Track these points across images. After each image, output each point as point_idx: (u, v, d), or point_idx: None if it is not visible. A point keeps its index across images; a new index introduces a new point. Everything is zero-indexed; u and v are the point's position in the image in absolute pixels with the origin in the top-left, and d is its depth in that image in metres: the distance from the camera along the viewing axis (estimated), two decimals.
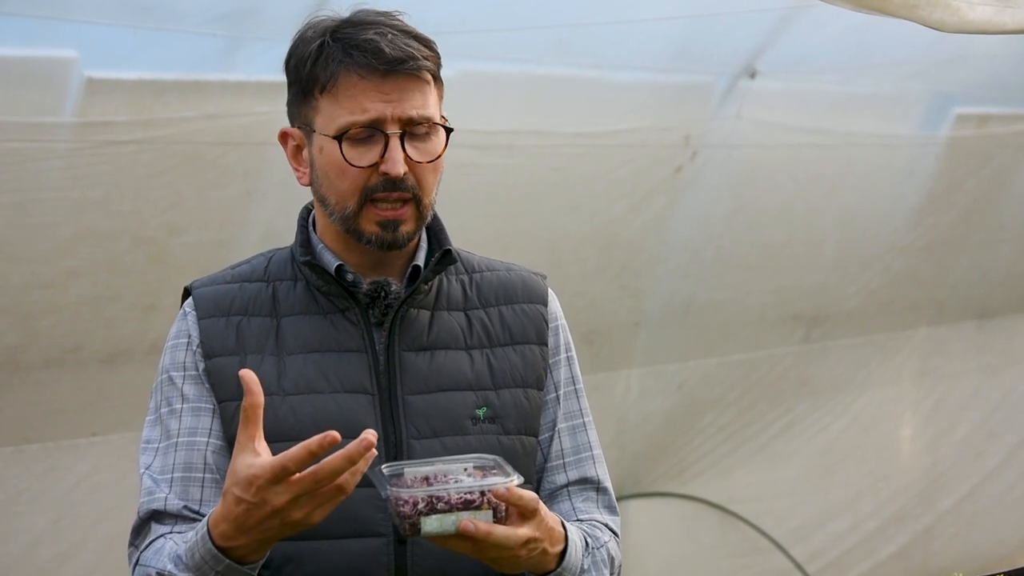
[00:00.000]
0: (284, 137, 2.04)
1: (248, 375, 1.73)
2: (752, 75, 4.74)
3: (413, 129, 1.94)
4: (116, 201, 3.74)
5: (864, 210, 5.51)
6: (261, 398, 1.73)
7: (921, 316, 6.02)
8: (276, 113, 3.72)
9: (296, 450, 1.67)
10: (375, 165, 1.93)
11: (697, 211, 4.96)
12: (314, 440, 1.66)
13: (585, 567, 1.93)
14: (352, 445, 1.66)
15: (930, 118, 5.48)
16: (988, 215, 5.86)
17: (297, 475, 1.68)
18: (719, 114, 4.80)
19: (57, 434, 3.95)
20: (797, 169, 5.18)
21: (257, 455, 1.71)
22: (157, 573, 1.85)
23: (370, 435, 1.66)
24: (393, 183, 1.93)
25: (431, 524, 1.73)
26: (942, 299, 6.03)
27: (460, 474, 1.78)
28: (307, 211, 2.09)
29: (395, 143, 1.92)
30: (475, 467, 1.80)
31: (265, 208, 3.93)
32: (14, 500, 3.93)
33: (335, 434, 1.66)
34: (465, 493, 1.73)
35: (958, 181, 5.64)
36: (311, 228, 2.06)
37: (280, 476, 1.68)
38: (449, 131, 1.98)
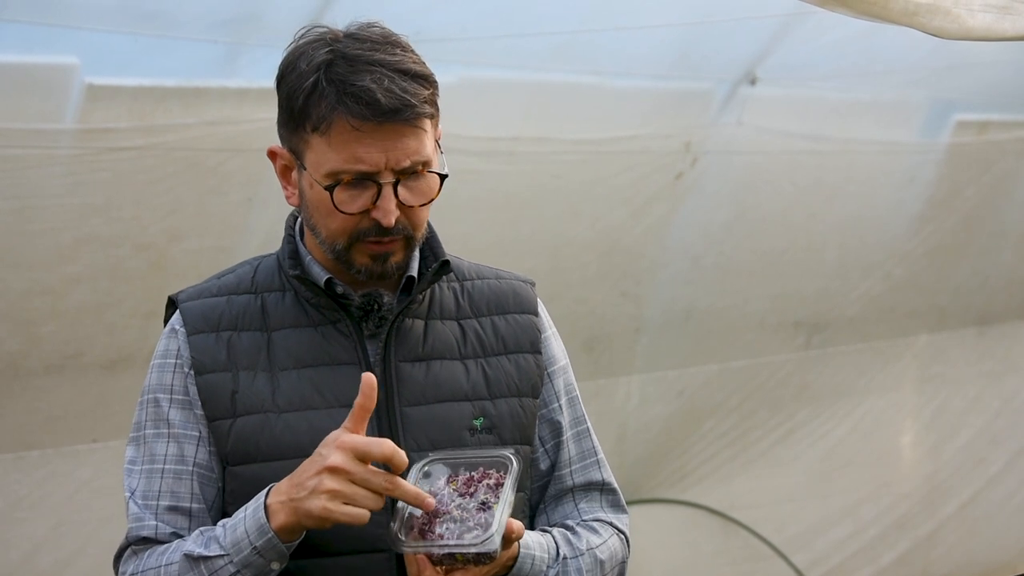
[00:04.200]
0: (273, 155, 1.99)
1: (369, 379, 1.79)
2: (753, 82, 4.74)
3: (407, 174, 1.89)
4: (117, 207, 3.74)
5: (865, 217, 5.50)
6: (372, 403, 1.79)
7: (922, 323, 6.01)
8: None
9: (391, 445, 1.76)
10: (366, 211, 1.89)
11: (698, 218, 4.96)
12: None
13: None
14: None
15: (931, 125, 5.48)
16: (989, 221, 5.86)
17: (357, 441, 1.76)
18: (719, 120, 4.80)
19: (58, 440, 3.94)
20: (798, 175, 5.18)
21: (353, 432, 1.78)
22: (183, 554, 1.83)
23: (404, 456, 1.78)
24: (385, 229, 1.89)
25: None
26: (943, 305, 6.03)
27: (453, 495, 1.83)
28: (294, 219, 2.05)
29: (388, 192, 1.87)
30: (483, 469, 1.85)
31: (266, 215, 3.92)
32: (14, 506, 3.93)
33: None
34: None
35: (959, 187, 5.64)
36: (298, 238, 2.03)
37: (364, 450, 1.75)
38: (443, 177, 1.92)
